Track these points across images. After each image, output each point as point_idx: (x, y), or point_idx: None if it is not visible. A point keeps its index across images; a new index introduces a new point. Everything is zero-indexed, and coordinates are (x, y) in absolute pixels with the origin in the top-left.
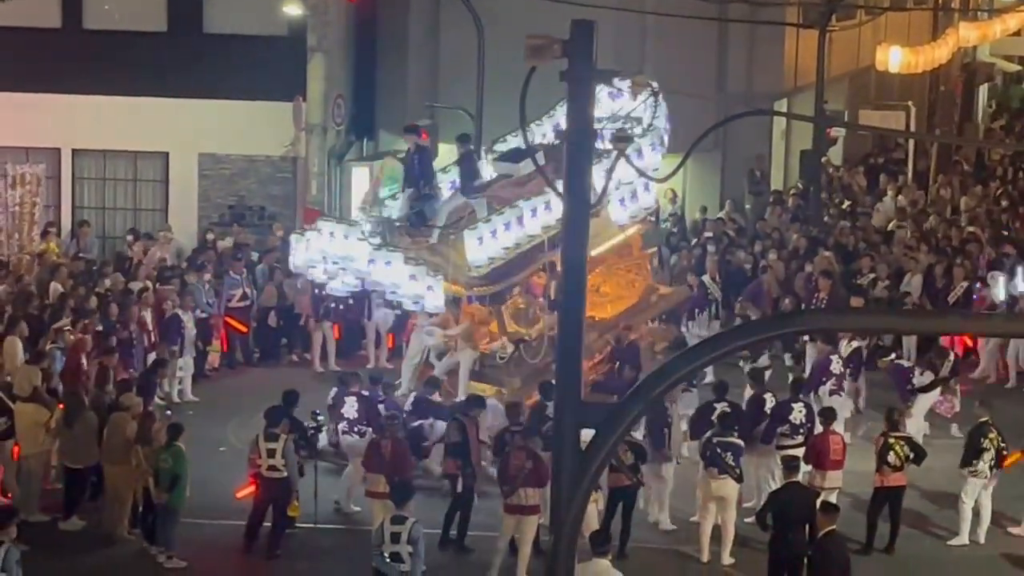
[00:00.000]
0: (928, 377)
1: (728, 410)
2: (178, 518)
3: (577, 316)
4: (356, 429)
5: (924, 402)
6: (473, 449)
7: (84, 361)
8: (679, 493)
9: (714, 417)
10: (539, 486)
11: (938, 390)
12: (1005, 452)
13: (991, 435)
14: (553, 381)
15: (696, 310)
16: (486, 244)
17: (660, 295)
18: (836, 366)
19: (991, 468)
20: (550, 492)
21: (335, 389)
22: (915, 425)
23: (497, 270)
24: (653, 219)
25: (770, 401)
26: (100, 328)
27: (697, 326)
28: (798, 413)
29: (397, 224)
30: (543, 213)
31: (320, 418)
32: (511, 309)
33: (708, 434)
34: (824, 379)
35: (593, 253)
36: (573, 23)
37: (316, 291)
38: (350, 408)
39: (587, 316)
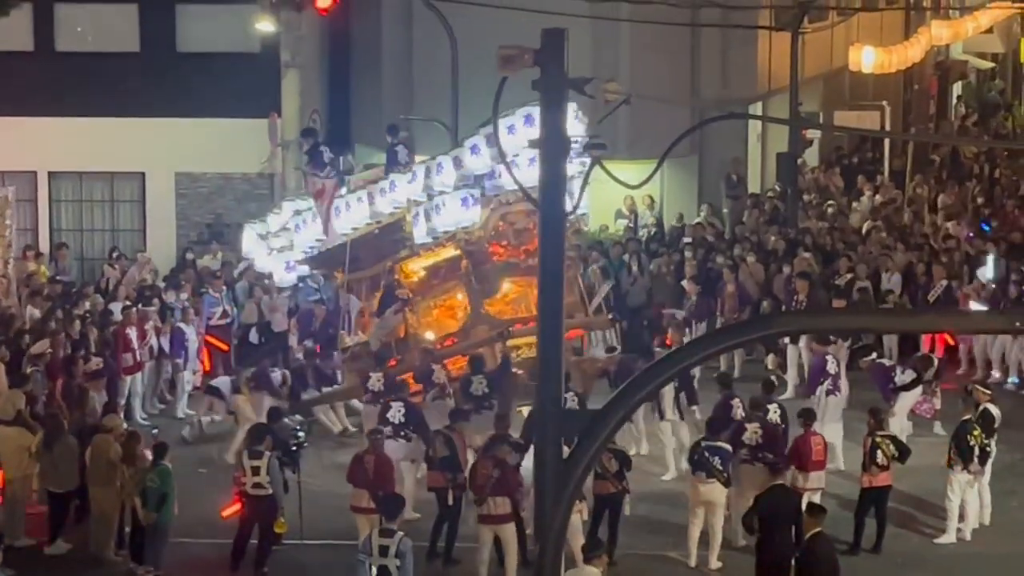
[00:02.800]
0: (910, 375)
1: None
2: (167, 537)
3: (555, 324)
4: (402, 434)
5: (906, 401)
6: (462, 461)
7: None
8: (663, 499)
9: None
10: (507, 494)
11: (920, 388)
12: (988, 450)
13: (975, 432)
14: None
15: (695, 321)
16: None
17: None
18: (832, 366)
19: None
20: (534, 500)
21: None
22: (898, 424)
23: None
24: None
25: (738, 405)
26: (82, 352)
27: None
28: (773, 414)
29: None
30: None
31: (302, 434)
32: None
33: (696, 439)
34: (821, 379)
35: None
36: (543, 32)
37: (297, 310)
38: (396, 413)
39: (412, 332)
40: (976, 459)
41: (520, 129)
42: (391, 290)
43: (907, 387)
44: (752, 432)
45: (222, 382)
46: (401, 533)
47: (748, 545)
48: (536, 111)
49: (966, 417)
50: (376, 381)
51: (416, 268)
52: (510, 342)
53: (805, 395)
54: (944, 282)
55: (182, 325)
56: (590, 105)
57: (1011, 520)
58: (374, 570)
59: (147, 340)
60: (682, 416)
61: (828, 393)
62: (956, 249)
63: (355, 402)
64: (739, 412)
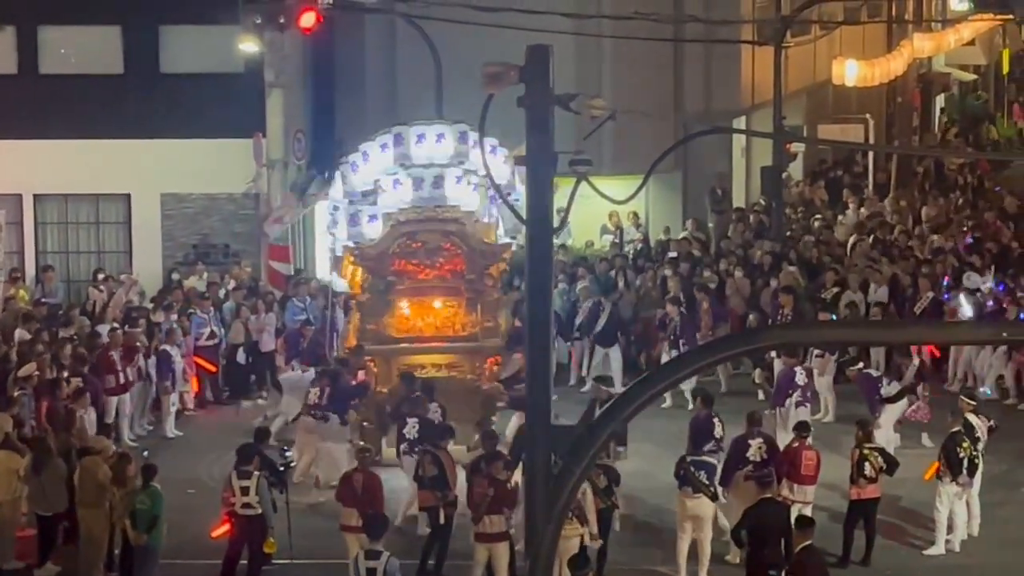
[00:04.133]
0: (895, 387)
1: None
2: (157, 559)
3: (544, 341)
4: (416, 449)
5: (892, 412)
6: (451, 479)
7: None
8: (652, 514)
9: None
10: (502, 513)
11: (906, 400)
12: (977, 461)
13: (964, 444)
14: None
15: (682, 340)
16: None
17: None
18: (800, 378)
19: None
20: (524, 518)
21: None
22: (884, 436)
23: None
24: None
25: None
26: (67, 374)
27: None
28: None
29: None
30: None
31: (289, 454)
32: None
33: (682, 454)
34: (790, 391)
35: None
36: (528, 49)
37: (285, 330)
38: (411, 429)
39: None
40: (965, 471)
41: (391, 148)
42: (348, 301)
43: (892, 399)
44: (756, 448)
45: (287, 379)
46: (387, 554)
47: (740, 560)
48: (408, 130)
49: (955, 429)
50: (313, 395)
51: (357, 279)
52: (412, 359)
53: (772, 407)
54: (930, 294)
55: (167, 347)
56: (574, 121)
57: (1000, 531)
58: None
59: (135, 362)
60: (610, 455)
61: (798, 404)
62: (943, 261)
63: None
64: (718, 429)
